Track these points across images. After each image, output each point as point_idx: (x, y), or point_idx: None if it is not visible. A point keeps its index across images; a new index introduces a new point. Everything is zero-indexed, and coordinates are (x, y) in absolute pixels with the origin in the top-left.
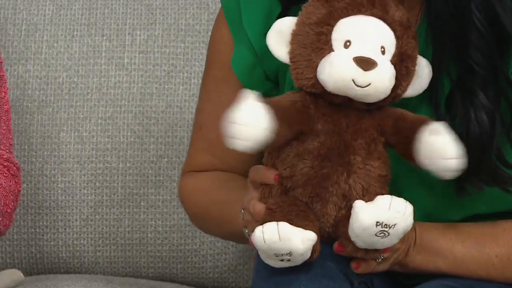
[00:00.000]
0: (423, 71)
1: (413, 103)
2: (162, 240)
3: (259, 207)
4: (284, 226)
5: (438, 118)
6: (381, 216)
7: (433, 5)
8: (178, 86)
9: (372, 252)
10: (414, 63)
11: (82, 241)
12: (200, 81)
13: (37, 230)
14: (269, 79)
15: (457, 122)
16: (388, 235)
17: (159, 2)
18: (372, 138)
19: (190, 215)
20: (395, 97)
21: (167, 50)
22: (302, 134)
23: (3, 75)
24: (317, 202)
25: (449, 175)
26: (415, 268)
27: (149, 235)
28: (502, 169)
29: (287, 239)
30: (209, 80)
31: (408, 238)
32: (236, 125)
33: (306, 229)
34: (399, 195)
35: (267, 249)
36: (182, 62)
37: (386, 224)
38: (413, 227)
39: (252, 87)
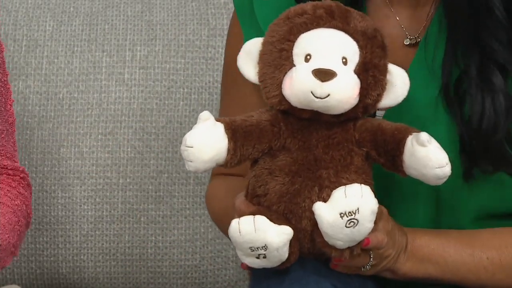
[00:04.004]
0: (396, 79)
1: (420, 87)
2: (162, 255)
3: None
4: (261, 218)
5: (446, 101)
6: (341, 206)
7: None
8: (178, 101)
9: (361, 255)
10: (382, 72)
11: (82, 257)
12: (200, 96)
13: (37, 245)
14: None
15: (468, 105)
16: (358, 222)
17: (159, 18)
18: (347, 151)
19: (211, 218)
20: (366, 107)
21: (167, 65)
22: (275, 152)
23: (9, 88)
24: (292, 219)
25: (439, 182)
26: (405, 274)
27: (149, 250)
28: (510, 153)
29: (262, 230)
30: (224, 81)
31: (399, 244)
32: (183, 147)
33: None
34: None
35: (242, 241)
36: (182, 78)
37: (349, 212)
38: (405, 234)
39: None
